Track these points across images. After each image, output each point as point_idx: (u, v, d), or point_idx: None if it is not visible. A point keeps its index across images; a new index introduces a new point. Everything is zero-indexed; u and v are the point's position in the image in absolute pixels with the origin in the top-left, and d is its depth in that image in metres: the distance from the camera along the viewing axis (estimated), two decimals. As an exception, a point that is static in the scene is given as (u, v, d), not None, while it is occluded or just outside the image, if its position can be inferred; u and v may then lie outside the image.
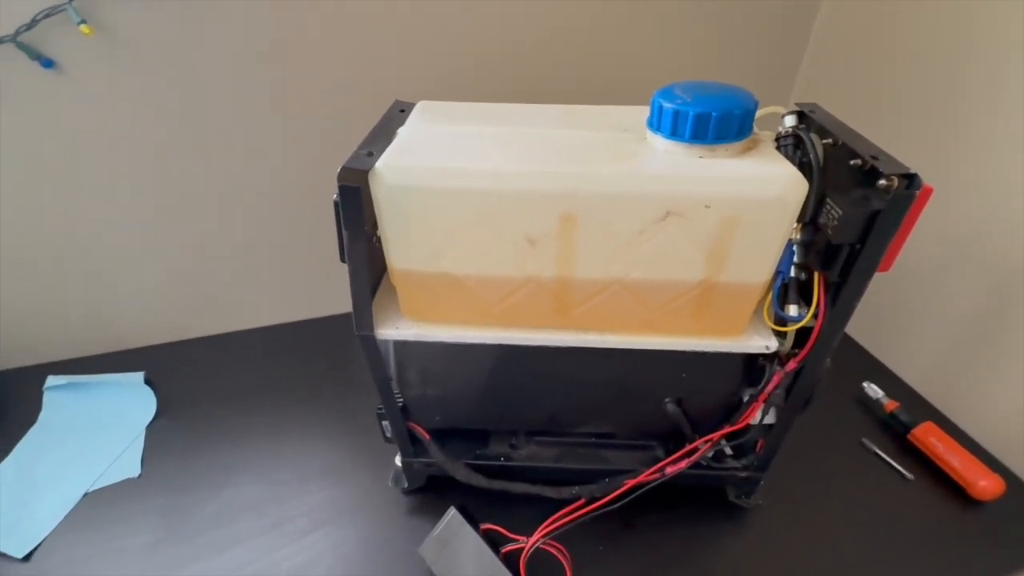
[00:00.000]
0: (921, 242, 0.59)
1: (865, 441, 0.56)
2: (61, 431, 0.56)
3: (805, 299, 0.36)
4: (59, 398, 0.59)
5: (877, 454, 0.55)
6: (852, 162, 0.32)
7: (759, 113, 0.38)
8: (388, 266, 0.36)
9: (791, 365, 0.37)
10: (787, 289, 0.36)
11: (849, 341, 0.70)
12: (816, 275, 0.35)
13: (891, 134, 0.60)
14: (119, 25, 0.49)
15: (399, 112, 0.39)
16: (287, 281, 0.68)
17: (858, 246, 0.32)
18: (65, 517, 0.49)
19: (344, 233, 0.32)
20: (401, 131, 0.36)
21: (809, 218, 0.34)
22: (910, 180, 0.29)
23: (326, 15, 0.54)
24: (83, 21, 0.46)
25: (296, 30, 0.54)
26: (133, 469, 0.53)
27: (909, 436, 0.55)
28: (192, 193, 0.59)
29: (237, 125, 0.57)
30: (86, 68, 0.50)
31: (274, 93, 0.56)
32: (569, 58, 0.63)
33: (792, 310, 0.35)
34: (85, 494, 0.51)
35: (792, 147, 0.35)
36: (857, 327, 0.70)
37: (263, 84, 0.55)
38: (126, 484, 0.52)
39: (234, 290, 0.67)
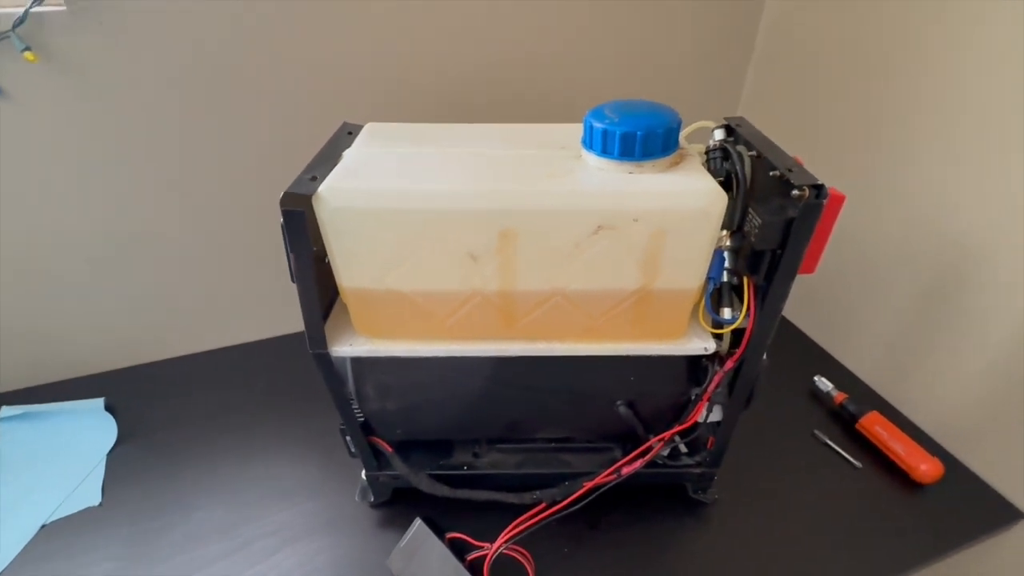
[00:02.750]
0: (865, 243, 0.63)
1: (817, 432, 0.59)
2: (16, 463, 0.55)
3: (741, 301, 0.38)
4: (14, 429, 0.58)
5: (828, 444, 0.57)
6: (771, 173, 0.34)
7: (691, 128, 0.40)
8: (338, 285, 0.37)
9: (728, 364, 0.39)
10: (720, 294, 0.38)
11: (802, 336, 0.73)
12: (746, 279, 0.37)
13: (834, 142, 0.64)
14: (64, 51, 0.49)
15: (347, 134, 0.40)
16: (248, 300, 0.68)
17: (779, 251, 0.34)
18: (21, 551, 0.48)
19: (290, 255, 0.33)
20: (347, 153, 0.37)
21: (736, 226, 0.36)
22: (819, 190, 0.32)
23: (276, 39, 0.54)
24: (27, 48, 0.46)
25: (246, 53, 0.54)
26: (93, 498, 0.52)
27: (857, 426, 0.58)
28: (145, 215, 0.59)
29: (190, 148, 0.57)
30: (32, 94, 0.50)
31: (225, 116, 0.56)
32: (527, 78, 0.65)
33: (726, 313, 0.38)
34: (42, 526, 0.50)
35: (720, 159, 0.37)
36: (809, 323, 0.73)
37: (215, 108, 0.56)
38: (86, 514, 0.51)
39: (194, 311, 0.67)
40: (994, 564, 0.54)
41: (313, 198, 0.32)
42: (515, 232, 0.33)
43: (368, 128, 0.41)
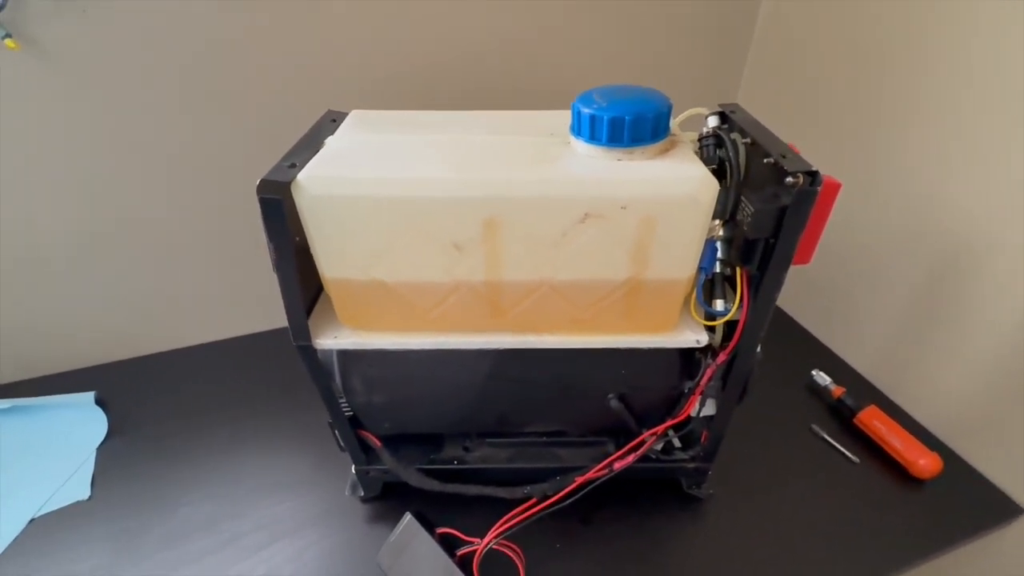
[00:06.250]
0: (864, 233, 0.61)
1: (814, 427, 0.58)
2: (6, 456, 0.55)
3: (734, 293, 0.37)
4: (3, 422, 0.57)
5: (825, 439, 0.57)
6: (765, 160, 0.33)
7: (684, 115, 0.39)
8: (320, 276, 0.36)
9: (721, 357, 0.38)
10: (712, 284, 0.37)
11: (799, 330, 0.72)
12: (739, 270, 0.36)
13: (835, 132, 0.62)
14: (47, 39, 0.48)
15: (331, 122, 0.39)
16: (240, 293, 0.67)
17: (772, 240, 0.33)
18: (9, 545, 0.47)
19: (270, 245, 0.32)
20: (329, 140, 0.36)
21: (729, 215, 0.35)
22: (813, 177, 0.31)
23: (264, 28, 0.53)
24: (8, 35, 0.45)
25: (234, 43, 0.53)
26: (82, 492, 0.52)
27: (855, 420, 0.57)
28: (132, 206, 0.58)
29: (179, 139, 0.56)
30: (14, 81, 0.49)
31: (214, 107, 0.55)
32: (518, 66, 0.63)
33: (719, 304, 0.37)
34: (31, 520, 0.49)
35: (713, 147, 0.36)
36: (807, 316, 0.72)
37: (203, 99, 0.55)
38: (75, 508, 0.51)
39: (187, 304, 0.66)
40: (994, 560, 0.53)
41: (292, 186, 0.31)
42: (500, 221, 0.32)
43: (353, 115, 0.40)
